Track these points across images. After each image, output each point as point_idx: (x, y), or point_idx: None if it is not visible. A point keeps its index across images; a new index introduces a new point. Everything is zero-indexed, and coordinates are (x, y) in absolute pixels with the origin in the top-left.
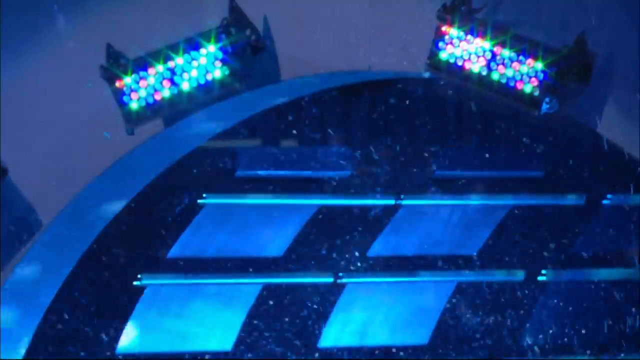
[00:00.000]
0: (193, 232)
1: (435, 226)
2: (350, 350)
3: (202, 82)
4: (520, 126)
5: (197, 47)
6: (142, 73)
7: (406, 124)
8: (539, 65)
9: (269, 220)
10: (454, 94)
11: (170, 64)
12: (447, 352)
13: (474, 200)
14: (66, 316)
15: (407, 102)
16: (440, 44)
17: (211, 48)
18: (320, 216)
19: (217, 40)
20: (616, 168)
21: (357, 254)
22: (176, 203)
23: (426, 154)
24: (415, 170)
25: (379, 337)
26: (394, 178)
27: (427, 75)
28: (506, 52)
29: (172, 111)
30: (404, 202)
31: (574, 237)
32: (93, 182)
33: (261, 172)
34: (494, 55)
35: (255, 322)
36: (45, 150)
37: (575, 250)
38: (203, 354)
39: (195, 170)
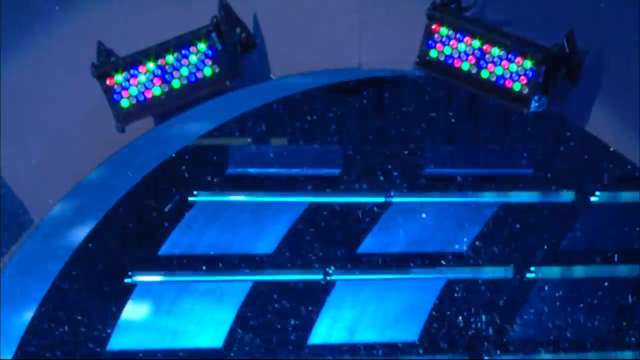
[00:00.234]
0: (184, 229)
1: (425, 223)
2: (340, 347)
3: (193, 80)
4: (509, 124)
5: (187, 45)
6: (132, 71)
7: (396, 122)
8: (528, 64)
9: (259, 218)
10: (443, 92)
11: (161, 62)
12: (437, 349)
13: (464, 198)
14: (57, 313)
15: (397, 100)
16: (430, 42)
17: (201, 46)
18: (310, 214)
19: (207, 38)
20: (605, 166)
21: (346, 251)
22: (167, 201)
23: (416, 152)
24: (405, 167)
25: (369, 334)
26: (383, 176)
27: (416, 73)
28: (495, 51)
29: (163, 109)
30: (394, 199)
31: (563, 234)
32: (84, 180)
33: (251, 170)
34: (483, 53)
35: (245, 319)
36: (36, 148)
37: (564, 247)
38: (194, 350)
39: (185, 168)
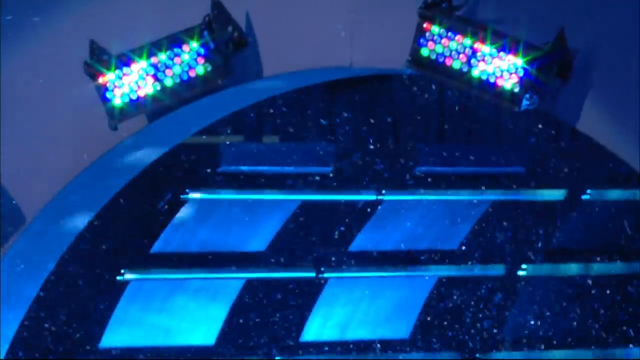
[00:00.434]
0: (176, 227)
1: (417, 221)
2: (332, 344)
3: (185, 78)
4: (501, 123)
5: (179, 43)
6: (125, 69)
7: (387, 120)
8: (520, 62)
9: (251, 216)
10: (435, 90)
11: (153, 60)
12: (429, 346)
13: (455, 196)
14: (50, 311)
15: (389, 98)
16: (422, 41)
17: (194, 45)
18: (303, 211)
19: (200, 36)
20: (596, 164)
21: (339, 249)
22: (159, 199)
23: (407, 150)
24: (396, 166)
25: (361, 331)
26: (375, 174)
27: (408, 71)
28: (487, 49)
29: (155, 107)
30: (386, 197)
31: (554, 232)
32: (77, 178)
33: (244, 168)
34: (474, 51)
35: (238, 316)
36: (28, 146)
37: (555, 245)
38: (186, 348)
39: (178, 166)
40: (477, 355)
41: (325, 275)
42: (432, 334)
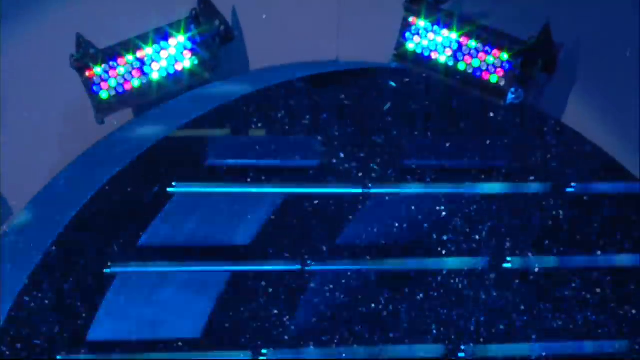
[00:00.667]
0: (163, 220)
1: (403, 214)
2: (318, 336)
3: (172, 72)
4: (486, 116)
5: (166, 37)
6: (112, 63)
7: (373, 114)
8: (505, 56)
9: (237, 209)
10: (421, 84)
11: (140, 54)
12: (414, 339)
13: (441, 189)
14: (36, 304)
15: (375, 92)
16: (407, 35)
17: (180, 38)
18: (289, 205)
19: (186, 30)
20: (580, 157)
21: (325, 242)
22: (146, 192)
23: (394, 144)
24: (382, 159)
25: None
26: (362, 167)
27: (394, 66)
28: (472, 43)
29: (142, 101)
30: (372, 191)
31: (539, 225)
32: (64, 171)
33: (230, 161)
34: (460, 46)
35: (224, 309)
36: (15, 139)
37: (539, 238)
38: (172, 341)
39: (164, 160)
40: (462, 347)
41: (312, 268)
42: (416, 327)
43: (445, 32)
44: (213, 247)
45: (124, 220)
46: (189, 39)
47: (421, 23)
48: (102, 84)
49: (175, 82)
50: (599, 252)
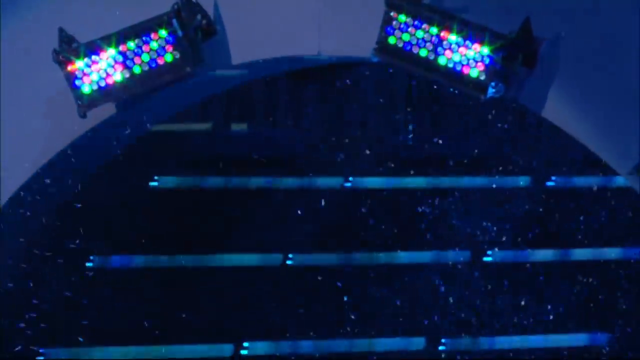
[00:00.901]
0: (145, 214)
1: (383, 208)
2: (299, 329)
3: (154, 66)
4: (466, 110)
5: (148, 31)
6: (94, 57)
7: (354, 107)
8: (485, 50)
9: (218, 202)
10: (402, 78)
11: (122, 48)
12: (395, 332)
13: (421, 183)
14: (18, 296)
15: (356, 86)
16: (389, 29)
17: (162, 33)
18: (270, 198)
19: (168, 25)
20: (560, 151)
21: (306, 235)
22: (128, 186)
23: (373, 137)
24: (363, 152)
25: (329, 316)
26: (342, 160)
27: (375, 60)
28: (453, 37)
29: (124, 95)
30: (353, 184)
31: (519, 218)
32: (46, 165)
33: (211, 155)
34: (441, 40)
35: (206, 302)
36: None
37: (520, 231)
38: (155, 332)
39: (146, 153)
40: (443, 340)
41: (292, 262)
42: (398, 319)
43: (426, 26)
44: (194, 241)
45: (105, 214)
46: (171, 33)
47: (402, 17)
48: (84, 78)
49: (157, 76)
50: (579, 246)
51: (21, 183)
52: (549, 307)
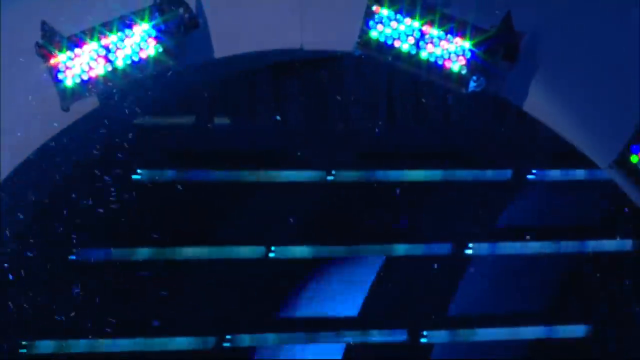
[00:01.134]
0: (128, 206)
1: (365, 200)
2: (281, 321)
3: (136, 59)
4: (448, 104)
5: (130, 25)
6: (76, 50)
7: (337, 101)
8: (467, 45)
9: (201, 195)
10: (384, 72)
11: (105, 41)
12: (377, 324)
13: (403, 175)
14: (2, 290)
15: (338, 80)
16: (371, 24)
17: (145, 26)
18: (252, 191)
19: (151, 18)
20: (541, 144)
21: (289, 227)
22: (111, 179)
23: (356, 131)
24: (346, 146)
25: (310, 308)
26: (324, 153)
27: (357, 53)
28: (435, 32)
29: (107, 88)
30: (336, 177)
31: (500, 211)
32: (29, 159)
33: (194, 148)
34: (423, 34)
35: (187, 295)
36: None
37: (501, 224)
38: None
39: (129, 146)
40: (424, 332)
41: (275, 254)
42: (380, 312)
43: (408, 20)
44: (177, 233)
45: (88, 207)
46: (154, 26)
47: (384, 12)
48: (67, 71)
49: (139, 69)
50: (560, 238)
51: (3, 176)
52: (531, 299)
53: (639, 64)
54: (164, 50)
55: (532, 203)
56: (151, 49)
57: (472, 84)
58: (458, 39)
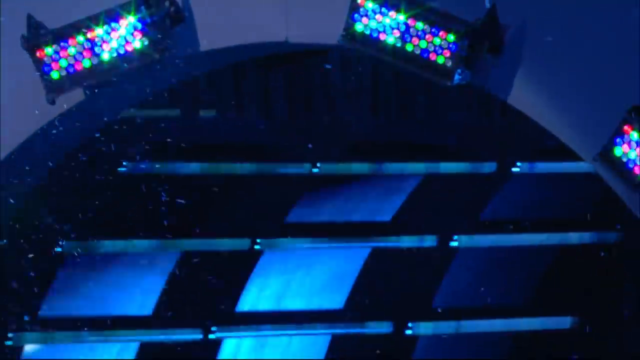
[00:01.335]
0: (113, 199)
1: (351, 193)
2: (268, 314)
3: (122, 52)
4: (433, 97)
5: (116, 18)
6: (62, 43)
7: (322, 94)
8: (452, 38)
9: (187, 188)
10: (369, 65)
11: (91, 34)
12: (363, 316)
13: (389, 168)
14: None
15: (323, 72)
16: (356, 16)
17: (130, 19)
18: (238, 183)
19: (137, 11)
20: (525, 137)
21: (274, 221)
22: (96, 171)
23: (342, 124)
24: (331, 139)
25: (296, 302)
26: (310, 146)
27: (342, 46)
28: (420, 25)
29: (93, 81)
30: (321, 170)
31: (485, 204)
32: (13, 151)
33: (179, 141)
34: (408, 27)
35: (174, 287)
36: None
37: (486, 217)
38: (124, 318)
39: (115, 139)
40: (410, 324)
41: (260, 247)
42: (365, 304)
43: (393, 13)
44: (163, 225)
45: (74, 199)
46: (139, 19)
47: (369, 4)
48: (53, 64)
49: (125, 62)
50: (543, 230)
51: None
52: (515, 291)
53: (625, 57)
54: (150, 44)
55: (517, 195)
56: (137, 42)
57: (457, 77)
58: (443, 32)
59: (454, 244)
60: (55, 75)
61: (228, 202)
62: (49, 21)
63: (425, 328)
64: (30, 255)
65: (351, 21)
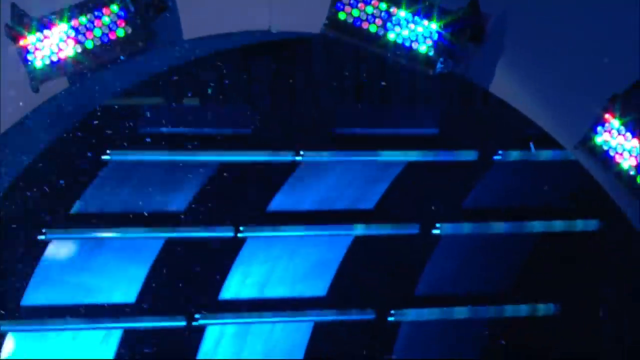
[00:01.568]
0: (97, 188)
1: (334, 181)
2: (251, 302)
3: (105, 41)
4: (416, 85)
5: (100, 6)
6: (46, 32)
7: (305, 82)
8: (434, 26)
9: (171, 177)
10: (352, 54)
11: (74, 23)
12: (345, 303)
13: (371, 157)
14: None
15: (306, 61)
16: (339, 5)
17: (114, 8)
18: (221, 172)
19: (120, 0)
20: (507, 125)
21: (257, 208)
22: (80, 160)
23: (325, 112)
24: (314, 127)
25: (279, 289)
26: (293, 135)
27: (326, 35)
28: (402, 13)
29: (76, 69)
30: (303, 158)
31: (467, 192)
32: None
33: (164, 130)
34: (390, 15)
35: (158, 275)
36: None
37: (467, 204)
38: (107, 305)
39: (98, 128)
40: (392, 311)
41: (244, 234)
42: (348, 292)
43: (375, 2)
44: (147, 215)
45: (58, 188)
46: (123, 8)
47: None
48: (37, 53)
49: (109, 51)
50: (526, 218)
51: None
52: (497, 278)
53: (606, 45)
54: (133, 32)
55: (498, 183)
56: (120, 30)
57: (439, 66)
58: (425, 21)
59: (436, 231)
60: (38, 63)
61: (211, 190)
62: (33, 10)
63: (407, 315)
64: (14, 243)
65: (334, 10)
